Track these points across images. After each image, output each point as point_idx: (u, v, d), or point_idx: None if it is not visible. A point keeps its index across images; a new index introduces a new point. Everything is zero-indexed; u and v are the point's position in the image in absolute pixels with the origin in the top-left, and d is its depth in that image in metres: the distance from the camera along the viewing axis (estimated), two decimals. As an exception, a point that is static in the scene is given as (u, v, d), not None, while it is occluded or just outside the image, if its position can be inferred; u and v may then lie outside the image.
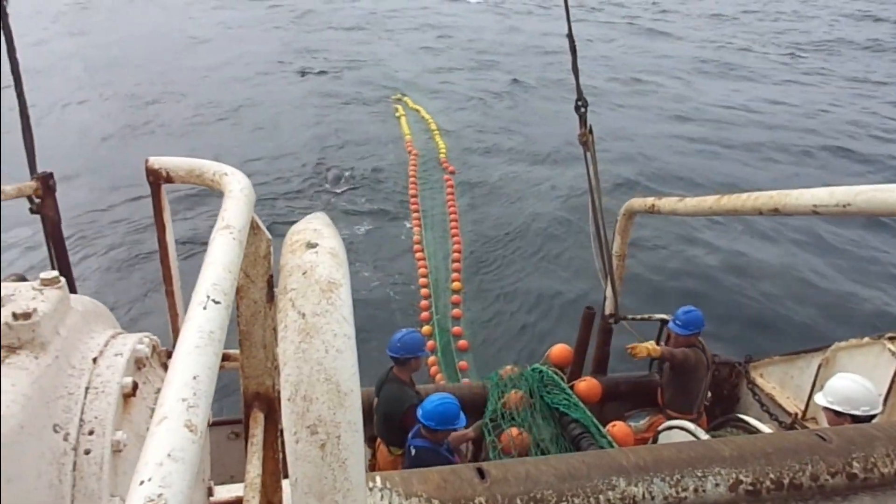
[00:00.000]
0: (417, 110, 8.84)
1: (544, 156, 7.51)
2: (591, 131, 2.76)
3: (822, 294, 5.29)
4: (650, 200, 2.67)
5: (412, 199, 6.29)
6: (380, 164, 7.18)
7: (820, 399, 2.35)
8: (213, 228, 0.82)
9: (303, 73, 10.81)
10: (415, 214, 6.07)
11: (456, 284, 5.26)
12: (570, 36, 2.72)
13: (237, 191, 0.98)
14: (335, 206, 6.35)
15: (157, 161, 1.27)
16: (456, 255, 5.56)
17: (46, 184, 1.95)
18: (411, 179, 6.66)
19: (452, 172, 6.85)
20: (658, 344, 3.29)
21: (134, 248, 4.99)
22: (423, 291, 5.20)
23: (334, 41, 13.18)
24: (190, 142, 7.68)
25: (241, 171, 1.09)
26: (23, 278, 1.80)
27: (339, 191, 6.67)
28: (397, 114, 8.59)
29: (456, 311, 5.05)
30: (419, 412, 2.59)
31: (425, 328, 4.83)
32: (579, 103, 2.71)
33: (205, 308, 0.63)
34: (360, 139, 7.89)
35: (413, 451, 2.62)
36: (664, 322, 3.33)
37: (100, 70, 9.02)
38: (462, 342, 4.77)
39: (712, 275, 5.60)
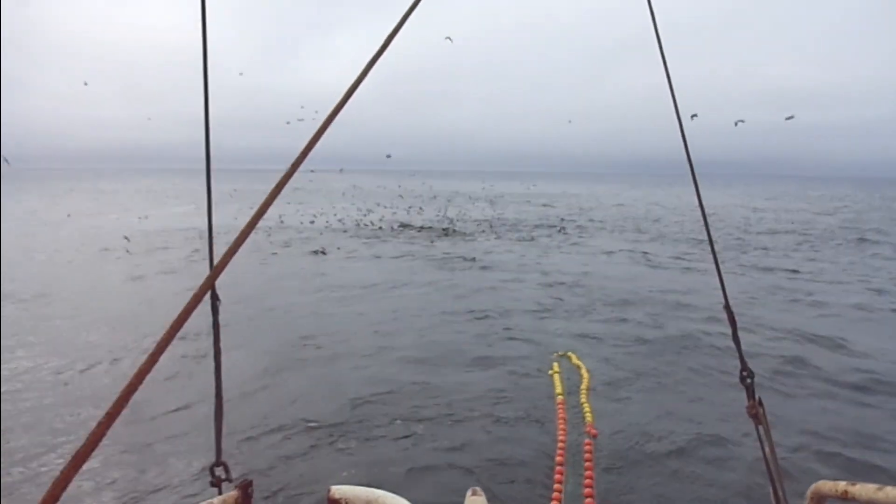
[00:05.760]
0: (578, 367, 8.80)
1: (710, 433, 6.90)
2: (760, 403, 2.63)
3: None
4: (842, 485, 2.40)
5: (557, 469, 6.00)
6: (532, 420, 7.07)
7: None
8: None
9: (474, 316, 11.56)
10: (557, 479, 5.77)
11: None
12: (727, 307, 2.76)
13: None
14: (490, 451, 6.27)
15: (338, 490, 1.43)
16: None
17: (246, 491, 1.96)
18: (560, 442, 6.39)
19: (595, 436, 6.52)
20: None
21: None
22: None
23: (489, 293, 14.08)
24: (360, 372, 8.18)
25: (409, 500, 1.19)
26: None
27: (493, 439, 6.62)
28: (551, 371, 8.59)
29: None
30: None
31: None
32: (744, 374, 2.64)
33: None
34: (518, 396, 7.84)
35: None
36: None
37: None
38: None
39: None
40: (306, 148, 1.33)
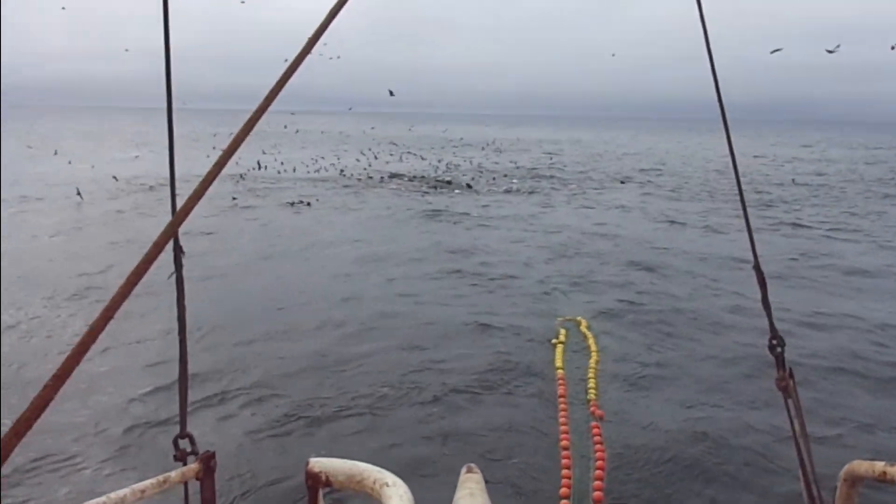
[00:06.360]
0: (586, 336, 8.59)
1: (731, 416, 6.62)
2: (791, 375, 2.58)
3: None
4: (880, 465, 2.35)
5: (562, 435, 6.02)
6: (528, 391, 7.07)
7: None
8: None
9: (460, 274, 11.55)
10: (564, 445, 5.82)
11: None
12: (756, 267, 2.69)
13: None
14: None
15: (317, 463, 1.36)
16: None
17: (208, 464, 2.00)
18: (562, 424, 6.29)
19: (601, 418, 6.35)
20: None
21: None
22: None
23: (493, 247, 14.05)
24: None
25: (401, 479, 1.14)
26: None
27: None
28: (555, 340, 8.36)
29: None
30: None
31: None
32: (774, 342, 2.57)
33: None
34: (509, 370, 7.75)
35: None
36: None
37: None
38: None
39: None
40: (278, 83, 1.25)
